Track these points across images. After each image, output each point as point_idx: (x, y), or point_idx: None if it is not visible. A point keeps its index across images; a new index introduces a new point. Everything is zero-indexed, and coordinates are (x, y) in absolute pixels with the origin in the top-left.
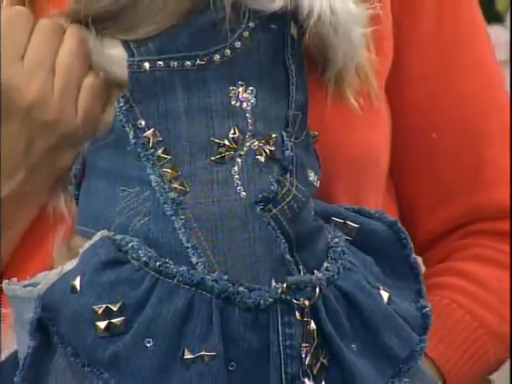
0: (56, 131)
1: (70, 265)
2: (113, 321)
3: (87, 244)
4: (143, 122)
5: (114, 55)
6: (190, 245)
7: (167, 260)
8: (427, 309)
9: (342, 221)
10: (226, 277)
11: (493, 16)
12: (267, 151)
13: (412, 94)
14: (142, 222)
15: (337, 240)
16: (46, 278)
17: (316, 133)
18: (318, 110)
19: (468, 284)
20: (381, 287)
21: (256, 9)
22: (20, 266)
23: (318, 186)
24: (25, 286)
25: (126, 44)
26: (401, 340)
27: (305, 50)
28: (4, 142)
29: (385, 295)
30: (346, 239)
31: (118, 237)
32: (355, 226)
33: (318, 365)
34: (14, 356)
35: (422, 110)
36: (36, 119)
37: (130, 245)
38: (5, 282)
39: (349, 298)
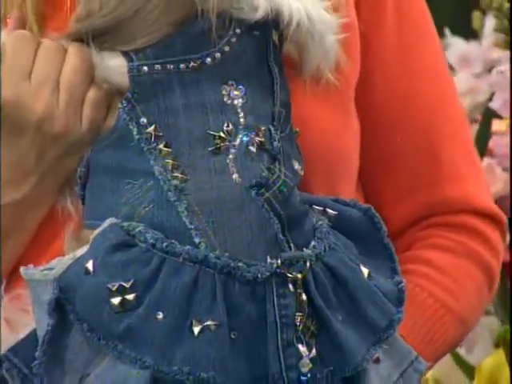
0: (64, 141)
1: (81, 250)
2: (126, 297)
3: (97, 230)
4: (145, 120)
5: (115, 65)
6: (192, 226)
7: (172, 241)
8: (402, 284)
9: (321, 208)
10: (226, 254)
11: (469, 33)
12: (258, 142)
13: (376, 97)
14: (147, 209)
15: (321, 223)
16: (60, 263)
17: (298, 129)
18: (297, 107)
19: (429, 270)
20: (361, 264)
21: (240, 18)
22: (32, 263)
23: (302, 174)
24: (41, 271)
25: (125, 53)
26: (380, 311)
27: (284, 54)
28: (17, 154)
29: (365, 271)
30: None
31: (125, 223)
32: (334, 212)
33: (309, 332)
34: (33, 335)
35: (386, 112)
36: (45, 132)
37: (137, 229)
38: (22, 268)
39: (334, 272)
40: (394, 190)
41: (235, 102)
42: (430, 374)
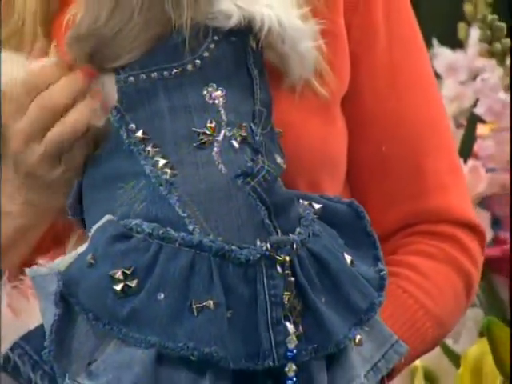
0: (38, 180)
1: (82, 248)
2: (127, 283)
3: (95, 227)
4: (133, 125)
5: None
6: (185, 215)
7: (168, 229)
8: (384, 272)
9: (307, 202)
10: (220, 238)
11: (455, 43)
12: (240, 137)
13: (365, 111)
14: (142, 206)
15: (307, 212)
16: (63, 261)
17: (280, 130)
18: (282, 111)
19: (411, 273)
20: (344, 252)
21: (215, 26)
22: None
23: (284, 167)
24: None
25: (113, 69)
26: (361, 294)
27: (269, 63)
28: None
29: (348, 258)
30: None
31: (122, 221)
32: (319, 206)
33: (296, 312)
34: (41, 327)
35: (374, 125)
36: (19, 168)
37: (133, 223)
38: (26, 269)
39: (318, 258)
40: (381, 198)
41: (216, 101)
42: (419, 363)
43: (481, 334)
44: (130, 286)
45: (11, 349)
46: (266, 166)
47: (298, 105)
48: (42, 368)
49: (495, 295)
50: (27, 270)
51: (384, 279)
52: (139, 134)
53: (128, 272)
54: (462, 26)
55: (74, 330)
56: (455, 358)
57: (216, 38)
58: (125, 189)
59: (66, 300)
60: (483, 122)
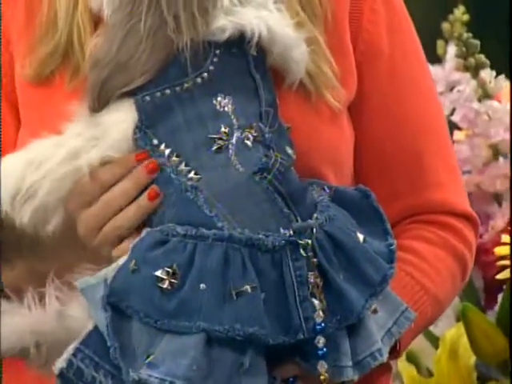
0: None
1: (123, 259)
2: (171, 280)
3: (134, 241)
4: (156, 141)
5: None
6: (213, 214)
7: (200, 228)
8: (393, 246)
9: (320, 187)
10: (247, 230)
11: (434, 58)
12: (252, 137)
13: (371, 116)
14: (173, 211)
15: (322, 197)
16: (107, 270)
17: (290, 125)
18: (293, 118)
19: (413, 257)
20: (357, 231)
21: (212, 40)
22: None
23: (294, 157)
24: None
25: (129, 93)
26: (375, 268)
27: (274, 69)
28: None
29: (360, 237)
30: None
31: (158, 228)
32: (332, 188)
33: (319, 289)
34: (97, 330)
35: (379, 128)
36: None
37: (169, 227)
38: (77, 281)
39: (334, 239)
40: (385, 192)
41: (226, 108)
42: None
43: (457, 319)
44: (173, 282)
45: (73, 354)
46: (278, 159)
47: (310, 112)
48: (104, 367)
49: (470, 284)
50: (77, 282)
51: (393, 252)
52: (162, 147)
53: (170, 270)
54: (440, 43)
55: (129, 330)
56: (434, 340)
57: (218, 52)
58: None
59: (116, 306)
60: (459, 128)
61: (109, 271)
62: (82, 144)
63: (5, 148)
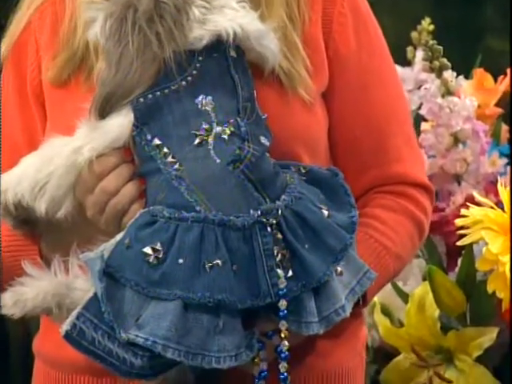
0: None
1: (119, 236)
2: (156, 255)
3: (130, 221)
4: (149, 136)
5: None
6: (192, 199)
7: (182, 212)
8: (355, 217)
9: (297, 167)
10: (220, 213)
11: (405, 61)
12: (229, 131)
13: (341, 105)
14: (162, 195)
15: (293, 180)
16: (106, 246)
17: (266, 115)
18: (271, 106)
19: (376, 222)
20: (323, 208)
21: (192, 48)
22: None
23: (268, 145)
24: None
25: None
26: (336, 239)
27: (252, 63)
28: None
29: (325, 213)
30: (300, 178)
31: (151, 208)
32: (306, 169)
33: (286, 259)
34: (94, 299)
35: (349, 116)
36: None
37: (157, 209)
38: (80, 255)
39: (300, 216)
40: (354, 168)
41: (207, 107)
42: (377, 300)
43: (424, 279)
44: (158, 257)
45: (77, 318)
46: (251, 150)
47: (286, 101)
48: (102, 328)
49: (434, 249)
50: (81, 256)
51: (355, 223)
52: (155, 141)
53: (156, 247)
54: (410, 49)
55: (122, 296)
56: (405, 296)
57: (200, 58)
58: (151, 183)
59: (113, 275)
60: (426, 120)
61: (106, 247)
62: (83, 142)
63: (33, 139)
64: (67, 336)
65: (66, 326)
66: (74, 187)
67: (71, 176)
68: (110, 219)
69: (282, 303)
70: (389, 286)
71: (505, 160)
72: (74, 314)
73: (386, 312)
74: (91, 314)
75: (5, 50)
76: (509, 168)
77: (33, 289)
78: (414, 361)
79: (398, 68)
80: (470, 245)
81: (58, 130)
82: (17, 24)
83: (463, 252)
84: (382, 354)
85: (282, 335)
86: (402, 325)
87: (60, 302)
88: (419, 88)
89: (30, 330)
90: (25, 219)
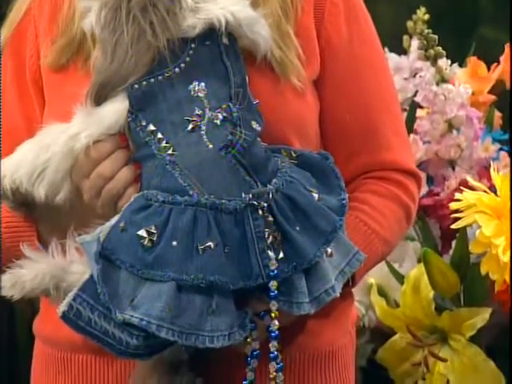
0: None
1: (114, 219)
2: (151, 238)
3: (126, 205)
4: (144, 122)
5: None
6: (186, 184)
7: (176, 195)
8: (345, 200)
9: (288, 151)
10: (212, 196)
11: (401, 50)
12: (221, 117)
13: (332, 92)
14: (156, 180)
15: (284, 164)
16: (102, 229)
17: (258, 101)
18: (264, 93)
19: (365, 207)
20: (313, 191)
21: (185, 36)
22: None
23: (259, 130)
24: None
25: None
26: (327, 221)
27: (245, 51)
28: None
29: (316, 196)
30: (292, 162)
31: (145, 192)
32: (297, 153)
33: (277, 242)
34: (90, 280)
35: (340, 103)
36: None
37: (151, 193)
38: (77, 237)
39: (290, 198)
40: (345, 153)
41: (200, 94)
42: (374, 280)
43: (419, 261)
44: (152, 240)
45: (73, 299)
46: (242, 136)
47: (278, 88)
48: (98, 309)
49: (429, 232)
50: (77, 238)
51: (344, 206)
52: (150, 127)
53: (150, 230)
54: (405, 38)
55: (118, 277)
56: (400, 278)
57: (193, 45)
58: (146, 168)
59: (108, 257)
60: (421, 107)
61: (102, 230)
62: (79, 129)
63: (31, 124)
64: (64, 317)
65: (62, 307)
66: (71, 172)
67: (68, 162)
68: (106, 203)
69: (273, 284)
70: (385, 268)
71: (498, 145)
72: (71, 295)
73: (382, 293)
74: (87, 295)
75: (5, 36)
76: (501, 153)
77: (31, 271)
78: (410, 340)
79: (395, 56)
80: (464, 228)
81: (56, 114)
82: (17, 11)
83: (457, 235)
84: (378, 334)
85: (273, 315)
86: (397, 305)
87: (57, 283)
88: (415, 76)
89: (36, 310)
90: (22, 202)
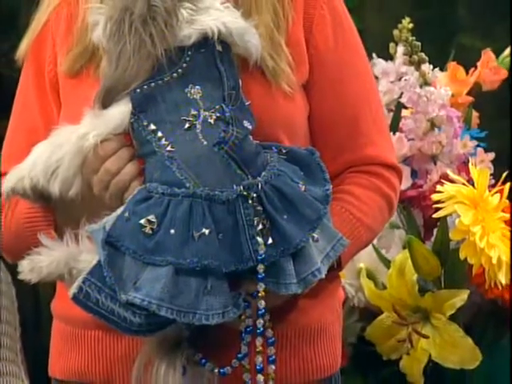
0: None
1: (120, 210)
2: (151, 226)
3: (129, 197)
4: (146, 122)
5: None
6: (183, 177)
7: (174, 188)
8: (329, 190)
9: (278, 148)
10: (207, 188)
11: (387, 56)
12: (215, 116)
13: (320, 95)
14: (157, 174)
15: (272, 158)
16: (108, 219)
17: (249, 102)
18: (255, 96)
19: (350, 197)
20: (300, 182)
21: (182, 45)
22: None
23: (250, 128)
24: (98, 225)
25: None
26: (312, 209)
27: (240, 57)
28: None
29: (302, 187)
30: (281, 158)
31: (147, 184)
32: (286, 149)
33: (266, 229)
34: (98, 265)
35: (327, 104)
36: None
37: (152, 186)
38: (87, 226)
39: (278, 189)
40: (332, 150)
41: (195, 96)
42: (363, 265)
43: (404, 247)
44: (152, 228)
45: (83, 282)
46: (234, 133)
47: (269, 91)
48: (104, 291)
49: (413, 221)
50: (86, 227)
51: (328, 196)
52: (151, 127)
53: (150, 219)
54: (392, 45)
55: (122, 263)
56: (387, 262)
57: (190, 52)
58: (148, 163)
59: (114, 244)
60: (406, 107)
61: (108, 220)
62: (88, 130)
63: (49, 123)
64: (75, 298)
65: (73, 290)
66: (82, 169)
67: (79, 159)
68: (114, 195)
69: (260, 267)
70: (373, 254)
71: (475, 142)
72: (80, 278)
73: (370, 276)
74: (95, 278)
75: (26, 44)
76: (478, 149)
77: (47, 257)
78: (395, 319)
79: (382, 62)
80: (445, 217)
81: (71, 115)
82: (37, 22)
83: (438, 223)
84: (367, 314)
85: (260, 295)
86: (384, 287)
87: (71, 269)
88: (400, 79)
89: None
90: (40, 197)
